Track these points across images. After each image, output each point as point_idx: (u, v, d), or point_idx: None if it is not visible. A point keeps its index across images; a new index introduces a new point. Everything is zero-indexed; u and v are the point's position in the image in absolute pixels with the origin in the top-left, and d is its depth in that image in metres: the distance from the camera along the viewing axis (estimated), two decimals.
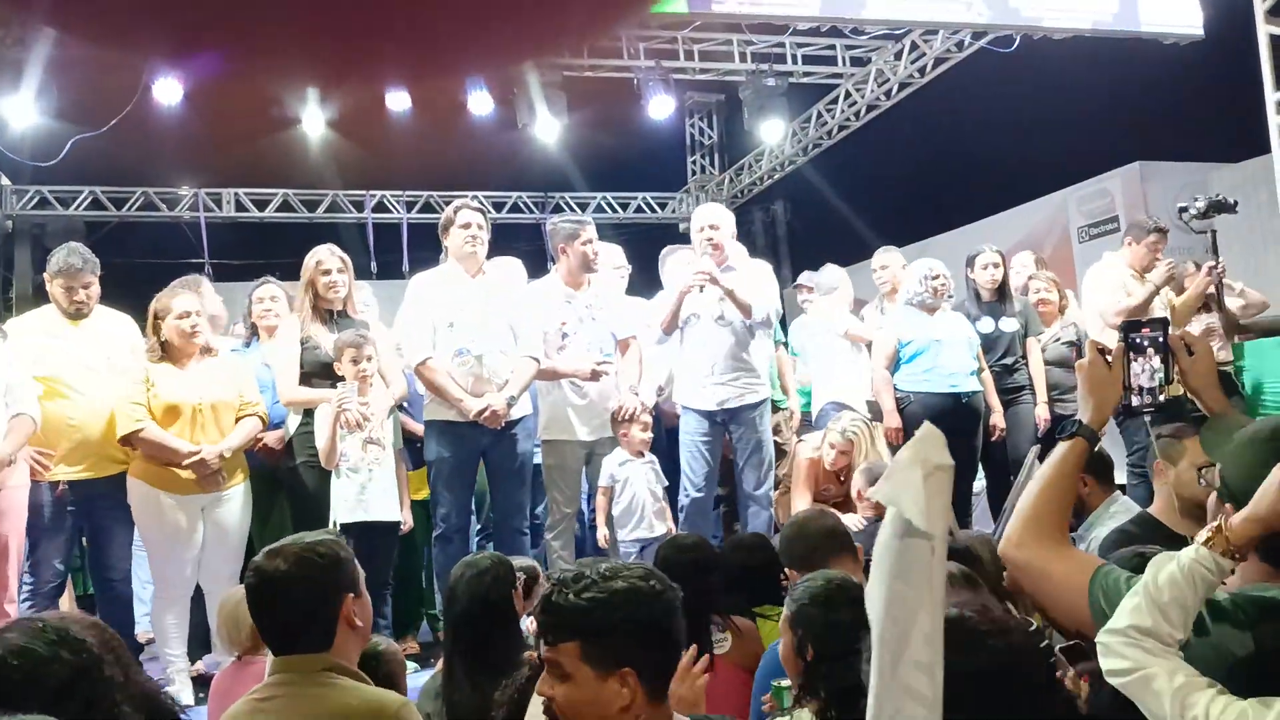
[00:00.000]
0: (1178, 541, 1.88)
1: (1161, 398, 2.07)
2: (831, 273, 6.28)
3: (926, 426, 1.37)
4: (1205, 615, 1.58)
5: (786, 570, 3.10)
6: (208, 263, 10.51)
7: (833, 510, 4.12)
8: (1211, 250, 5.46)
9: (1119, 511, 3.63)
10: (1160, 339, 2.07)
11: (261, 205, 11.23)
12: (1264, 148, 7.13)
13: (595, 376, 4.92)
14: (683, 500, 5.04)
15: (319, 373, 4.51)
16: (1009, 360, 5.69)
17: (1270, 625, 1.55)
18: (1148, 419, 2.16)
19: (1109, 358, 2.03)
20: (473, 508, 5.02)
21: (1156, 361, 2.07)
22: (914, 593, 1.15)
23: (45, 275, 4.56)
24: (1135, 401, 2.06)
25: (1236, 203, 5.63)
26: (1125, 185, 9.99)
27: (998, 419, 5.49)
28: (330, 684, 2.12)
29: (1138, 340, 2.07)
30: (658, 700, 1.76)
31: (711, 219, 5.20)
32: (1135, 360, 2.06)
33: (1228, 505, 1.75)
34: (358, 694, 2.13)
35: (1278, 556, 1.67)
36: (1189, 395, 2.13)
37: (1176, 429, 3.41)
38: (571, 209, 12.04)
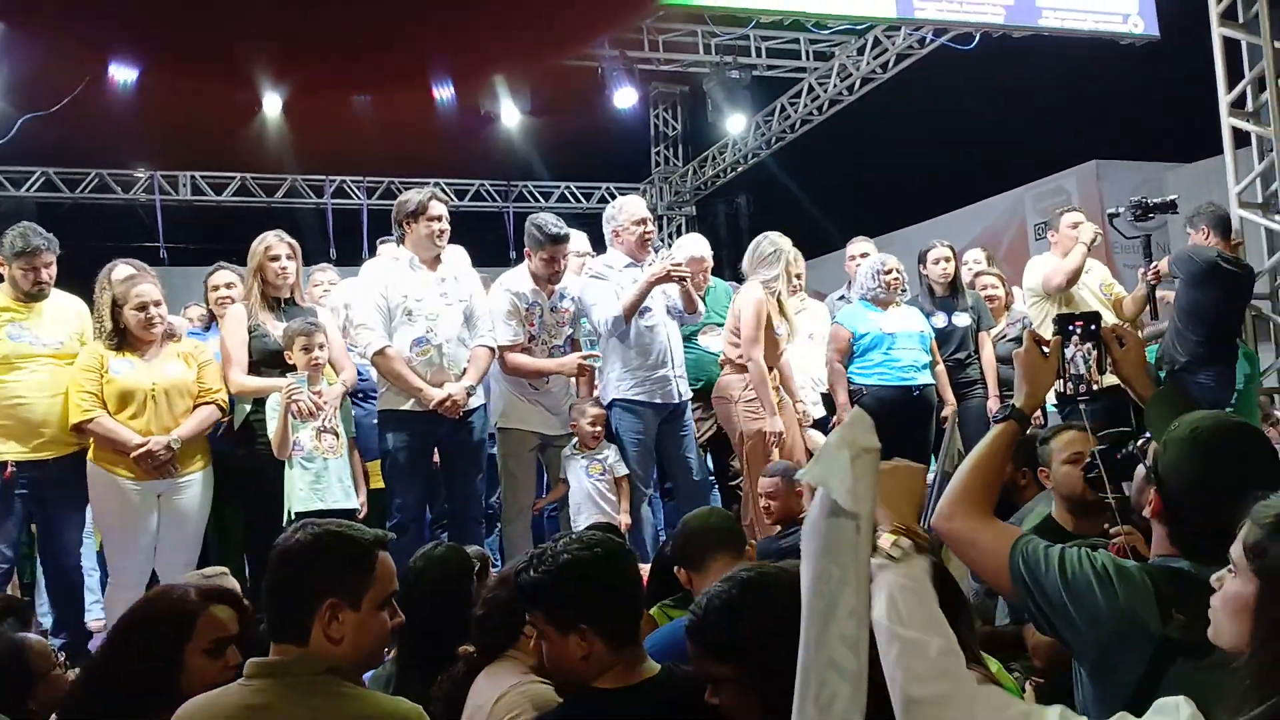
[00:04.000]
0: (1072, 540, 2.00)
1: (1094, 386, 2.21)
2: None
3: (855, 411, 1.42)
4: (1115, 582, 1.74)
5: (676, 570, 3.09)
6: (163, 246, 10.40)
7: (724, 510, 4.12)
8: (1144, 255, 5.54)
9: (1044, 506, 3.56)
10: (1093, 330, 2.22)
11: (219, 189, 11.10)
12: (1216, 149, 7.26)
13: (583, 373, 4.89)
14: (637, 500, 4.95)
15: (268, 361, 4.46)
16: (961, 355, 5.76)
17: (1173, 589, 1.73)
18: (1083, 406, 2.28)
19: (1045, 348, 2.16)
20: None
21: (1089, 351, 2.20)
22: (840, 570, 1.20)
23: (0, 257, 4.47)
24: (1069, 389, 2.20)
25: (1175, 201, 5.71)
26: (1081, 183, 10.16)
27: (949, 412, 5.56)
28: (337, 691, 1.93)
29: (1073, 331, 2.21)
30: (622, 647, 2.05)
31: (645, 212, 5.16)
32: (1069, 349, 2.20)
33: (1153, 489, 1.83)
34: (372, 702, 1.98)
35: (1182, 541, 1.82)
36: (1121, 384, 2.24)
37: (1050, 430, 3.43)
38: (534, 198, 12.02)
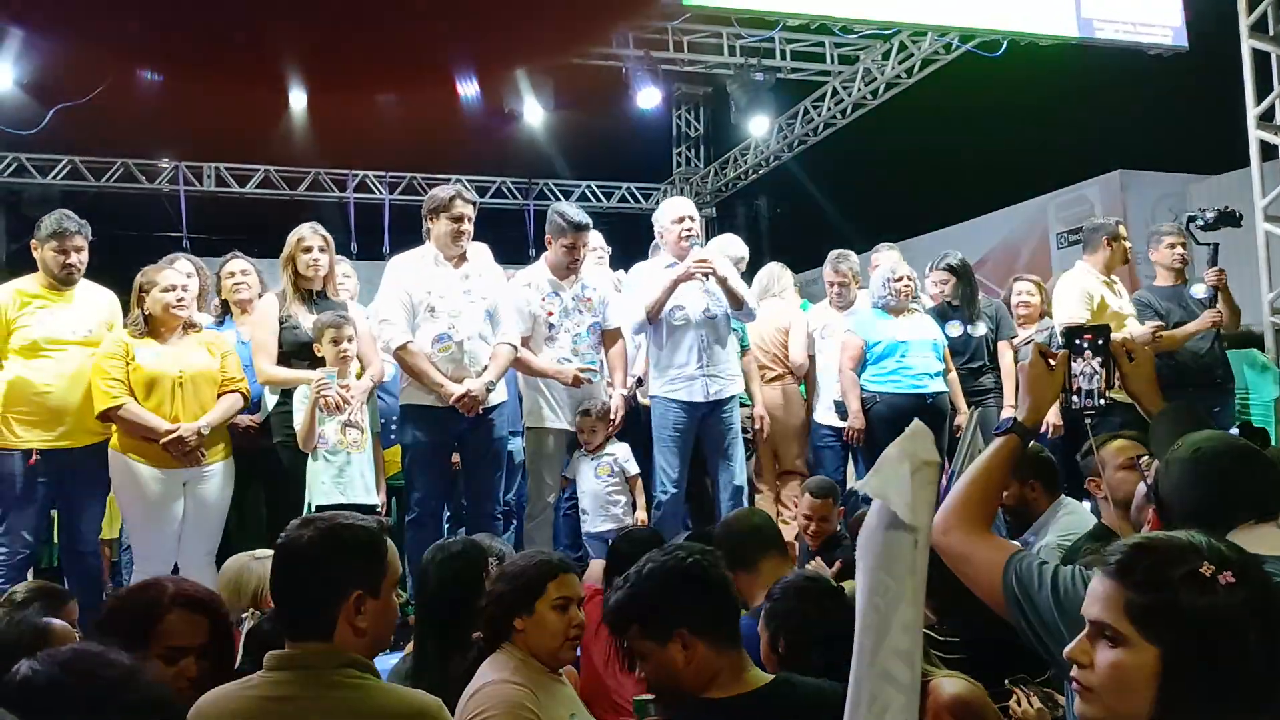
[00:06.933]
0: None
1: (1102, 401, 2.17)
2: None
3: (916, 424, 1.40)
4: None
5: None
6: (186, 237, 10.43)
7: (764, 511, 4.14)
8: (1212, 260, 5.50)
9: (1066, 515, 3.61)
10: (1102, 344, 2.17)
11: (242, 180, 11.16)
12: (1243, 161, 7.22)
13: (577, 383, 4.87)
14: (660, 497, 4.96)
15: (297, 352, 4.48)
16: (976, 364, 5.75)
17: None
18: (1089, 421, 2.24)
19: (1052, 361, 2.11)
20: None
21: (1098, 365, 2.16)
22: (896, 583, 1.19)
23: (34, 241, 4.51)
24: (1075, 403, 2.16)
25: (1241, 216, 5.68)
26: (1105, 193, 10.10)
27: (962, 420, 5.55)
28: (356, 683, 1.94)
29: (1080, 344, 2.17)
30: (724, 649, 2.03)
31: (689, 210, 5.23)
32: (1077, 363, 2.16)
33: (1151, 509, 1.83)
34: (394, 695, 1.99)
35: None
36: (1130, 399, 2.21)
37: (1099, 439, 3.40)
38: (555, 196, 12.03)
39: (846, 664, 1.21)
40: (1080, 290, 5.51)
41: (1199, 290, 5.64)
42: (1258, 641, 1.24)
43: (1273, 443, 5.02)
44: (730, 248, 5.71)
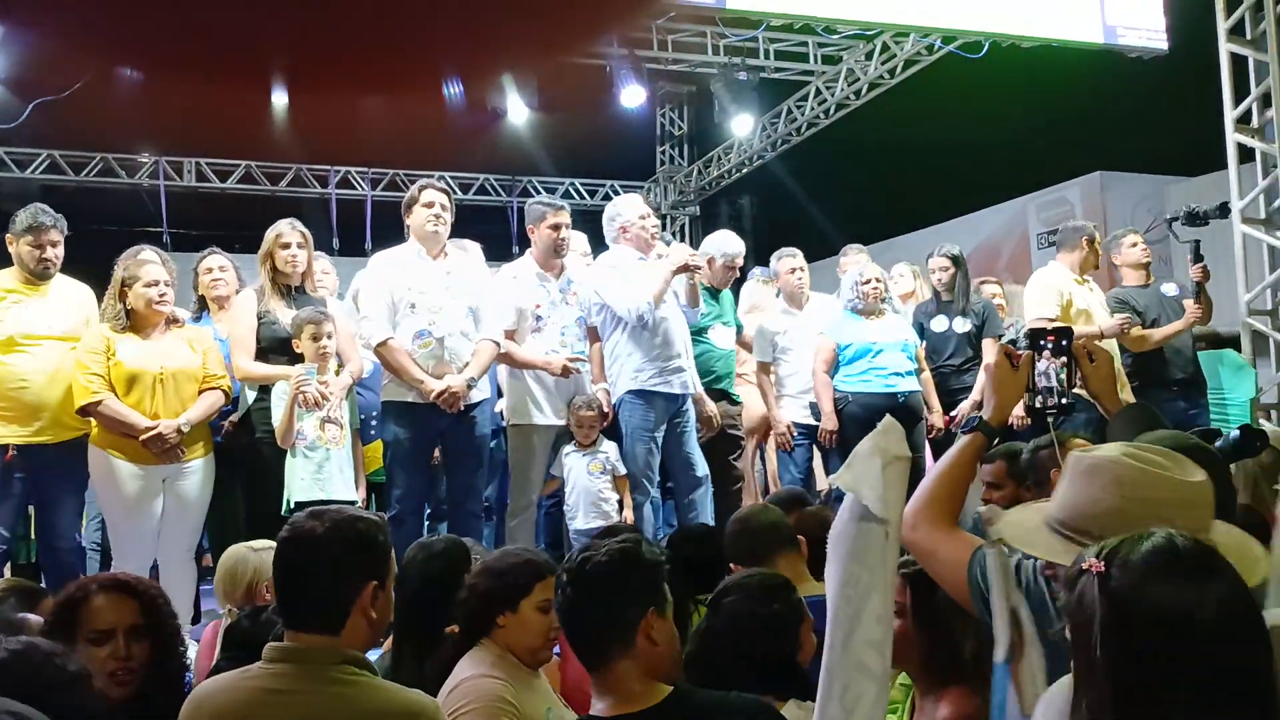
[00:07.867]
0: None
1: (1064, 400, 2.23)
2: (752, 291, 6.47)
3: (888, 420, 1.43)
4: None
5: (731, 565, 3.14)
6: (166, 232, 10.37)
7: (776, 508, 4.15)
8: (1195, 257, 5.55)
9: None
10: (1065, 345, 2.24)
11: (223, 176, 11.08)
12: (1221, 164, 7.29)
13: (566, 373, 4.85)
14: (640, 499, 4.93)
15: (276, 348, 4.46)
16: (957, 361, 5.78)
17: None
18: (1051, 420, 2.29)
19: (1016, 361, 2.16)
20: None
21: (1060, 366, 2.22)
22: (868, 574, 1.21)
23: (8, 236, 4.48)
24: (1039, 403, 2.22)
25: (1226, 204, 5.75)
26: (1085, 194, 10.18)
27: (936, 419, 5.59)
28: (353, 680, 1.96)
29: (1044, 345, 2.24)
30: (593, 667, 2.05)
31: (647, 208, 5.27)
32: (1040, 363, 2.22)
33: None
34: (390, 694, 1.99)
35: None
36: (1090, 398, 2.26)
37: (1064, 434, 3.42)
38: (539, 194, 12.01)
39: (788, 656, 1.23)
40: (1049, 288, 5.56)
41: (1170, 289, 5.71)
42: (1107, 628, 1.25)
43: None
44: (729, 245, 5.67)
